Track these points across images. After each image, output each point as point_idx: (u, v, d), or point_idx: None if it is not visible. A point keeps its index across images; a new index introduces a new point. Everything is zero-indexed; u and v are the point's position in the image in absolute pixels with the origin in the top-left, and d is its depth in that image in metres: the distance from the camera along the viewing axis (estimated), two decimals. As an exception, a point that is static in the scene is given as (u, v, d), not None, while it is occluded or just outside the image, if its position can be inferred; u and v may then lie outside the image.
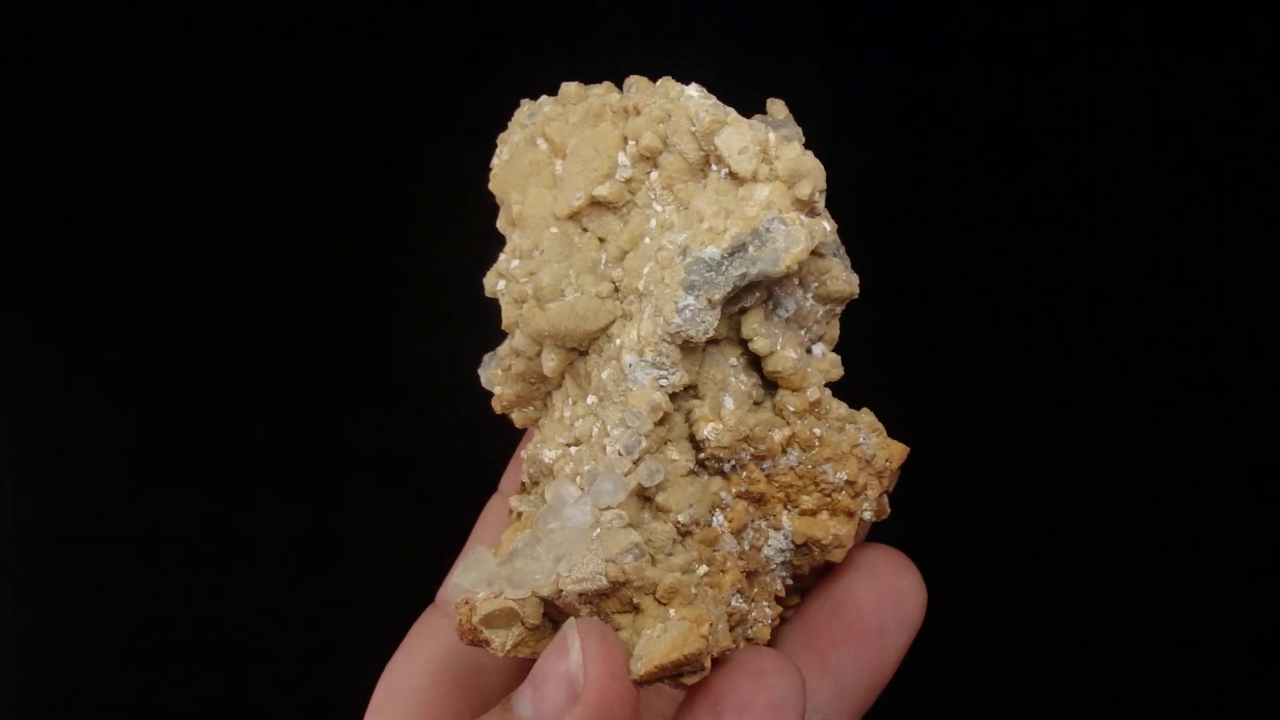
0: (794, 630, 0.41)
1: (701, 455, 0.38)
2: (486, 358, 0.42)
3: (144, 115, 0.70)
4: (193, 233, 0.70)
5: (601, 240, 0.39)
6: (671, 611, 0.36)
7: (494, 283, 0.40)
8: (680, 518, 0.37)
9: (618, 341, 0.38)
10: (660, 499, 0.37)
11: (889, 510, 0.41)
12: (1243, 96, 0.68)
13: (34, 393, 0.71)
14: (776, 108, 0.43)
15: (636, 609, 0.37)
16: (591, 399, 0.39)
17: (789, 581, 0.41)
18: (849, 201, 0.69)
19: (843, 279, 0.41)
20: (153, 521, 0.70)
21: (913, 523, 0.69)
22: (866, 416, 0.41)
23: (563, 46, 0.69)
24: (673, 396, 0.38)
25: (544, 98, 0.42)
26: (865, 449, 0.40)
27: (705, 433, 0.38)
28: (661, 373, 0.37)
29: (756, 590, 0.39)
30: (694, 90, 0.40)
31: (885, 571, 0.42)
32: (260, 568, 0.69)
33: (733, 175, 0.38)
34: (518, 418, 0.42)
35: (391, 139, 0.70)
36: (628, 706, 0.35)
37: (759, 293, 0.39)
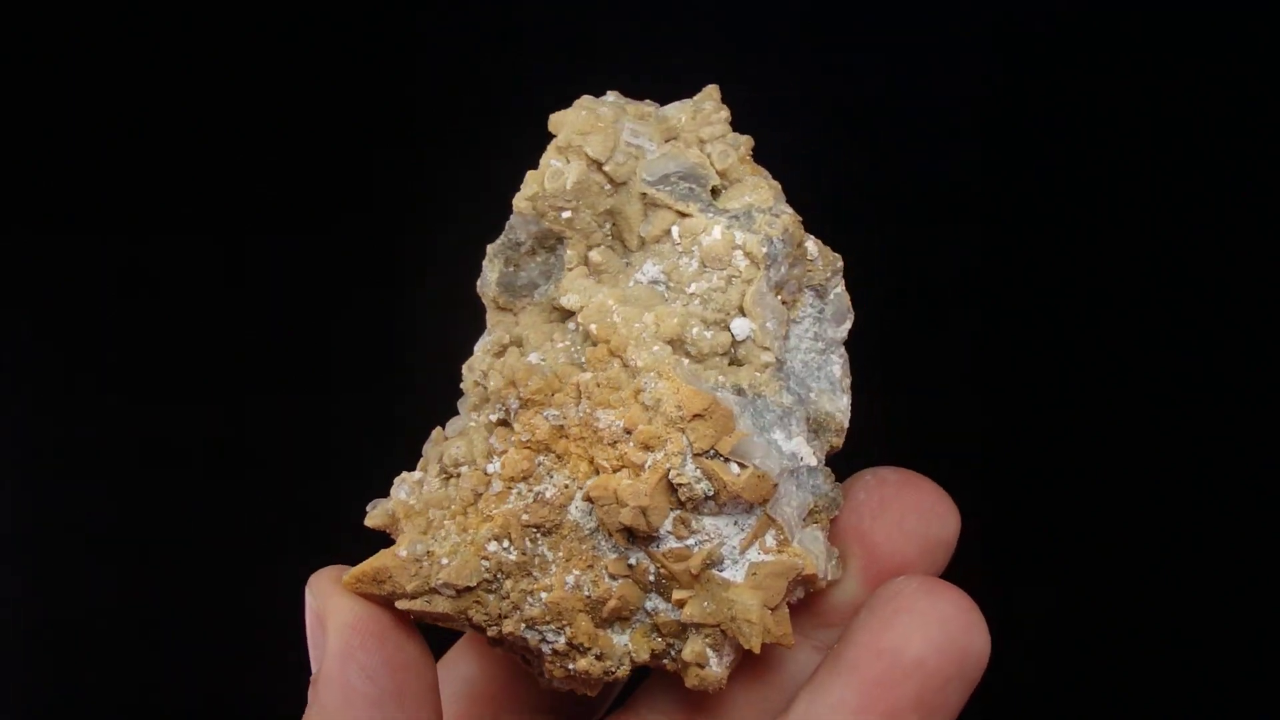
0: (853, 688, 0.36)
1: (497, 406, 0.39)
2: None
3: (144, 115, 0.70)
4: (193, 233, 0.70)
5: None
6: (404, 536, 0.39)
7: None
8: (445, 459, 0.39)
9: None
10: (446, 445, 0.39)
11: (768, 489, 0.37)
12: (1242, 96, 0.68)
13: (34, 393, 0.71)
14: (707, 93, 0.43)
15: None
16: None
17: (633, 561, 0.37)
18: (848, 202, 0.69)
19: (722, 239, 0.38)
20: (153, 521, 0.70)
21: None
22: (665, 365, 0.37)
23: (562, 47, 0.69)
24: (503, 352, 0.39)
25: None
26: (648, 395, 0.36)
27: (487, 380, 0.39)
28: (487, 336, 0.40)
29: (561, 554, 0.37)
30: (610, 96, 0.40)
31: (953, 625, 0.38)
32: (261, 567, 0.69)
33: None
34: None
35: (392, 139, 0.70)
36: (352, 613, 0.37)
37: (583, 248, 0.39)
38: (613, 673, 0.38)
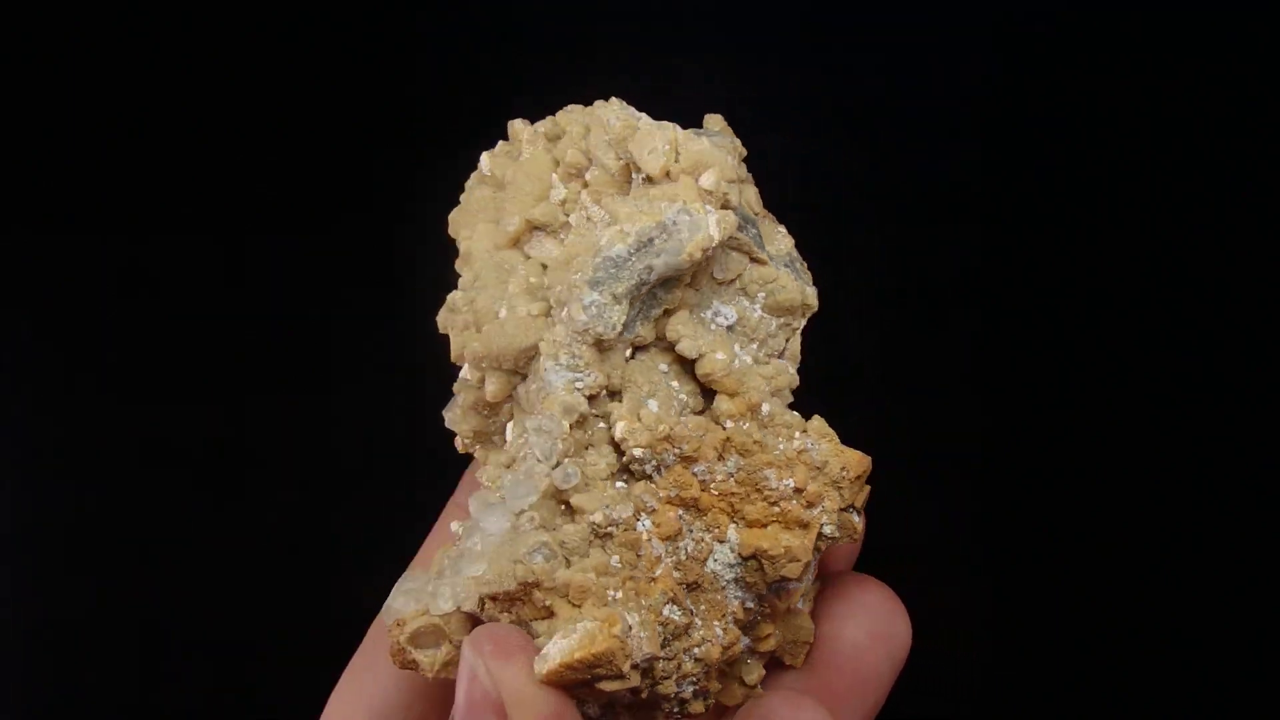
0: (796, 676, 0.41)
1: (624, 459, 0.38)
2: (450, 403, 0.42)
3: (144, 115, 0.70)
4: (193, 233, 0.70)
5: (544, 266, 0.39)
6: (583, 613, 0.36)
7: (444, 319, 0.40)
8: (595, 518, 0.37)
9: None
10: (576, 500, 0.37)
11: (860, 528, 0.40)
12: (1242, 96, 0.68)
13: (34, 393, 0.71)
14: (713, 121, 0.42)
15: (550, 613, 0.36)
16: (522, 418, 0.39)
17: (750, 605, 0.39)
18: (846, 201, 0.69)
19: (793, 289, 0.40)
20: (153, 522, 0.70)
21: (912, 523, 0.69)
22: (816, 423, 0.40)
23: (561, 47, 0.70)
24: (593, 400, 0.38)
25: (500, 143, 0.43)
26: (814, 455, 0.39)
27: (619, 432, 0.38)
28: (576, 375, 0.38)
29: (705, 607, 0.38)
30: (614, 103, 0.40)
31: (879, 612, 0.42)
32: (262, 567, 0.69)
33: (648, 178, 0.39)
34: (480, 454, 0.41)
35: (392, 139, 0.70)
36: (549, 707, 0.34)
37: (679, 292, 0.39)
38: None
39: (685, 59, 0.69)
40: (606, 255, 0.37)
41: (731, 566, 0.38)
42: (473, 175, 0.42)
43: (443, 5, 0.70)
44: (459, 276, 0.40)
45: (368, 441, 0.70)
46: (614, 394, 0.39)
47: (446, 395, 0.41)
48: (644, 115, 0.40)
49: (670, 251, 0.37)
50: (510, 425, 0.40)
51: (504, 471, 0.39)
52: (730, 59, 0.69)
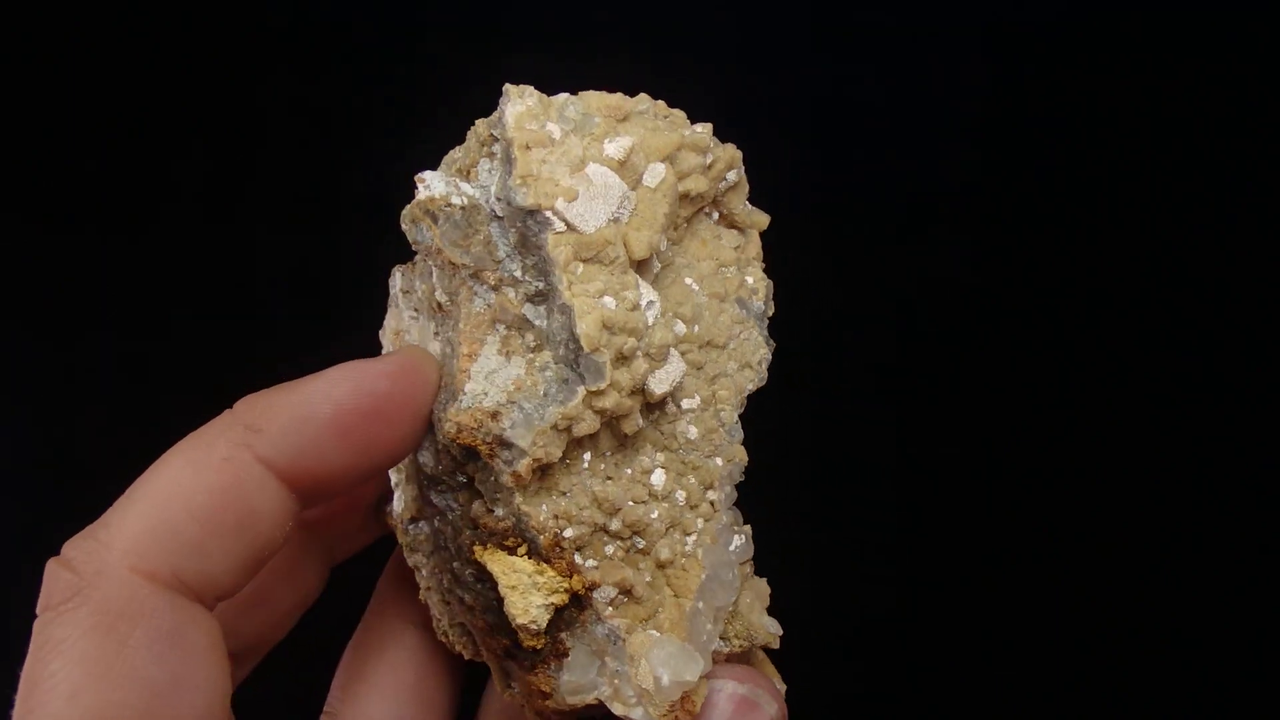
0: None
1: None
2: (517, 416, 0.37)
3: (144, 114, 0.70)
4: (193, 233, 0.70)
5: (654, 280, 0.41)
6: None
7: (595, 332, 0.37)
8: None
9: (682, 396, 0.39)
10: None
11: None
12: (1243, 96, 0.68)
13: (34, 393, 0.71)
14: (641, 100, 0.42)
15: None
16: (654, 453, 0.39)
17: None
18: (847, 202, 0.69)
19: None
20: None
21: (912, 524, 0.69)
22: None
23: (558, 46, 0.70)
24: None
25: (564, 99, 0.41)
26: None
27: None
28: (738, 429, 0.40)
29: None
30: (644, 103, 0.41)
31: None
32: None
33: (725, 219, 0.42)
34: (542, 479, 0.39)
35: (390, 139, 0.70)
36: None
37: None
38: None
39: (679, 59, 0.69)
40: (758, 308, 0.42)
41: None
42: (595, 159, 0.39)
43: (443, 3, 0.70)
44: (587, 279, 0.37)
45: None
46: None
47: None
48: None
49: (762, 315, 0.42)
50: (588, 449, 0.39)
51: (677, 508, 0.39)
52: (728, 58, 0.69)
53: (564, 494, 0.38)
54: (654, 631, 0.38)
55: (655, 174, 0.38)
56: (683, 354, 0.39)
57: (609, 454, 0.38)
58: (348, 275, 0.70)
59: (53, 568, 0.34)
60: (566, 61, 0.68)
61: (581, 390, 0.37)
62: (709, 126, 0.41)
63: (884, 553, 0.70)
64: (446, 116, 0.70)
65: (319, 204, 0.70)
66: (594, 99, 0.40)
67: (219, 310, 0.70)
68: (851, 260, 0.69)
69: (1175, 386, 0.68)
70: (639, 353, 0.37)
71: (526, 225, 0.37)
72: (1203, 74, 0.68)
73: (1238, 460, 0.68)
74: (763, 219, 0.42)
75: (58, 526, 0.71)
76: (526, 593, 0.37)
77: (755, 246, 0.42)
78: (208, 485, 0.33)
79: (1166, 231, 0.68)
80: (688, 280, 0.40)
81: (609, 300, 0.37)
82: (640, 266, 0.38)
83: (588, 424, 0.37)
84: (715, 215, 0.41)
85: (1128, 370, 0.69)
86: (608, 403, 0.37)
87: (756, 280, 0.41)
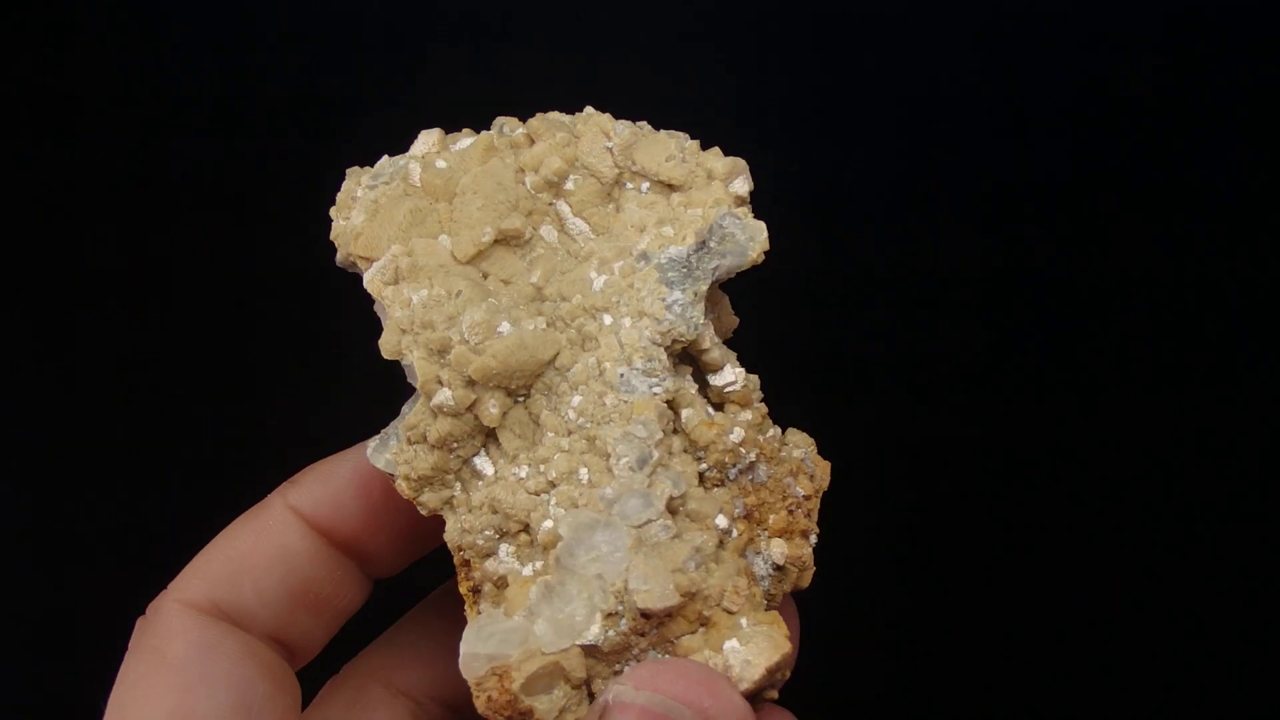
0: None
1: (703, 466, 0.37)
2: (376, 441, 0.38)
3: (149, 112, 0.70)
4: (193, 232, 0.70)
5: (505, 282, 0.37)
6: (743, 620, 0.35)
7: (396, 340, 0.37)
8: (720, 522, 0.36)
9: (577, 368, 0.36)
10: (690, 508, 0.36)
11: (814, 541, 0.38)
12: (1243, 97, 0.68)
13: (34, 392, 0.71)
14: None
15: (706, 623, 0.35)
16: (556, 438, 0.36)
17: None
18: (847, 202, 0.69)
19: (731, 313, 0.41)
20: (153, 521, 0.70)
21: (911, 523, 0.69)
22: (798, 435, 0.39)
23: (552, 46, 0.70)
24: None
25: (385, 158, 0.40)
26: (809, 465, 0.38)
27: (703, 437, 0.36)
28: (654, 380, 0.36)
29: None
30: (597, 114, 0.39)
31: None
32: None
33: (663, 185, 0.38)
34: (429, 499, 0.37)
35: (386, 139, 0.70)
36: None
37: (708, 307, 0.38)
38: None
39: (672, 62, 0.69)
40: (669, 256, 0.37)
41: (763, 578, 0.37)
42: (366, 193, 0.39)
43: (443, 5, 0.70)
44: (390, 296, 0.37)
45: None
46: (668, 401, 0.37)
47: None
48: (644, 123, 0.39)
49: (734, 253, 0.37)
50: (480, 459, 0.37)
51: (542, 498, 0.36)
52: (727, 57, 0.69)
53: (475, 508, 0.36)
54: (491, 610, 0.35)
55: (468, 176, 0.37)
56: (548, 325, 0.37)
57: (521, 454, 0.36)
58: (350, 276, 0.70)
59: (137, 621, 0.39)
60: (559, 60, 0.68)
61: (418, 390, 0.36)
62: (568, 115, 0.39)
63: (881, 551, 0.70)
64: (444, 122, 0.71)
65: (318, 208, 0.70)
66: (414, 147, 0.40)
67: (219, 309, 0.70)
68: (850, 259, 0.69)
69: (1176, 386, 0.69)
70: (453, 342, 0.36)
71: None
72: (1202, 74, 0.68)
73: (1238, 461, 0.68)
74: (720, 165, 0.38)
75: (57, 525, 0.71)
76: (468, 607, 0.37)
77: (704, 198, 0.38)
78: (247, 529, 0.40)
79: (1166, 231, 0.68)
80: (586, 261, 0.37)
81: (405, 310, 0.37)
82: (491, 267, 0.37)
83: (438, 427, 0.36)
84: (645, 185, 0.38)
85: (1128, 370, 0.69)
86: (438, 400, 0.36)
87: (680, 228, 0.37)
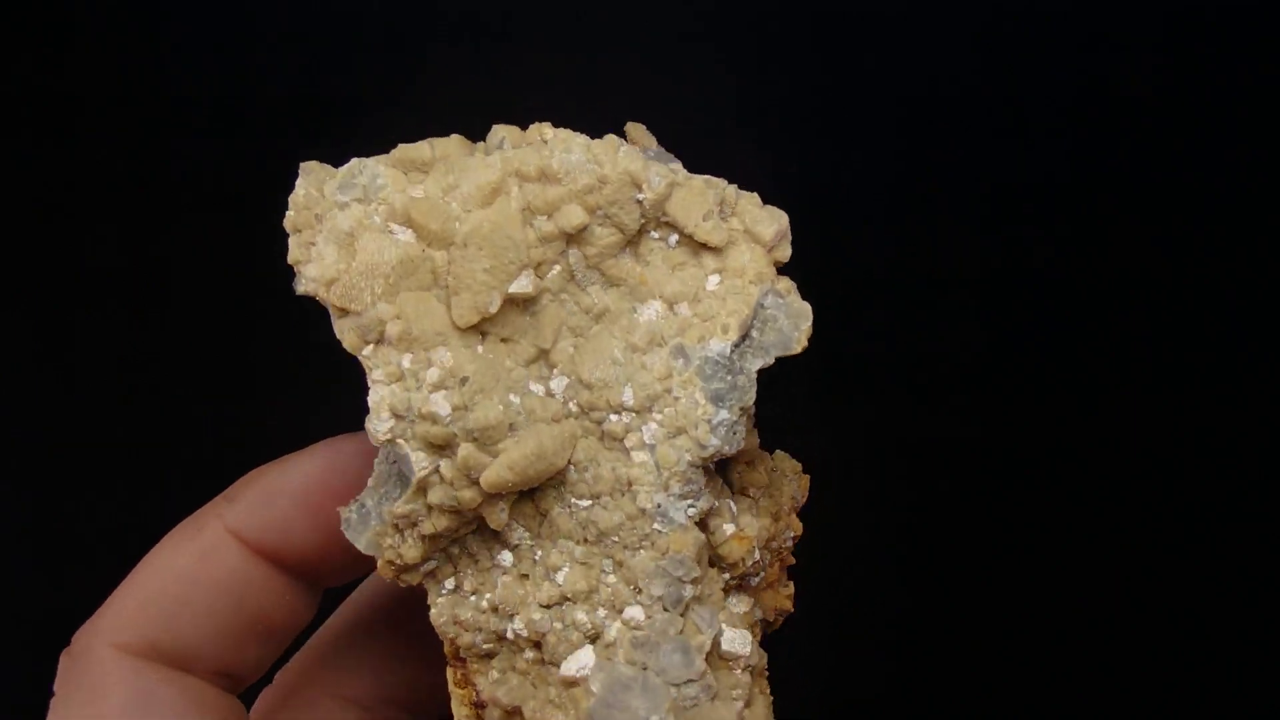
0: None
1: (727, 576, 0.33)
2: (354, 514, 0.33)
3: (145, 112, 0.70)
4: (192, 231, 0.70)
5: (505, 341, 0.32)
6: None
7: (384, 426, 0.31)
8: (753, 660, 0.33)
9: (600, 473, 0.32)
10: (724, 649, 0.33)
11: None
12: (1242, 97, 0.68)
13: (34, 393, 0.71)
14: (636, 130, 0.34)
15: None
16: (570, 544, 0.32)
17: None
18: (846, 202, 0.69)
19: None
20: (154, 521, 0.70)
21: (911, 523, 0.69)
22: (786, 461, 0.36)
23: (548, 46, 0.69)
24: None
25: (355, 162, 0.34)
26: (797, 498, 0.35)
27: (736, 553, 0.33)
28: (689, 502, 0.32)
29: None
30: (628, 150, 0.32)
31: None
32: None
33: (692, 242, 0.32)
34: (412, 578, 0.33)
35: (385, 140, 0.70)
36: None
37: None
38: None
39: (668, 62, 0.69)
40: (707, 356, 0.32)
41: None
42: (362, 207, 0.33)
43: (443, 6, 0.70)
44: (373, 357, 0.32)
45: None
46: None
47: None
48: (678, 162, 0.33)
49: (778, 345, 0.32)
50: (474, 539, 0.33)
51: (557, 613, 0.32)
52: (725, 55, 0.69)
53: (472, 594, 0.33)
54: None
55: (469, 222, 0.31)
56: (577, 420, 0.32)
57: (531, 546, 0.33)
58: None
59: (62, 657, 0.35)
60: (553, 62, 0.68)
61: (413, 482, 0.31)
62: (585, 138, 0.32)
63: (882, 549, 0.69)
64: (443, 128, 0.71)
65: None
66: (393, 153, 0.33)
67: (218, 309, 0.70)
68: (849, 258, 0.69)
69: (1175, 387, 0.69)
70: (458, 439, 0.31)
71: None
72: (1204, 73, 0.68)
73: (1237, 461, 0.68)
74: (764, 227, 0.33)
75: (58, 525, 0.71)
76: (456, 699, 0.34)
77: (743, 266, 0.33)
78: (183, 557, 0.35)
79: (1165, 230, 0.68)
80: (608, 331, 0.32)
81: (397, 385, 0.31)
82: (492, 326, 0.32)
83: (434, 522, 0.32)
84: (674, 238, 0.33)
85: (1127, 370, 0.69)
86: (436, 498, 0.31)
87: (725, 313, 0.32)
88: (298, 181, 0.34)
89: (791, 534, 0.35)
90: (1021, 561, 0.69)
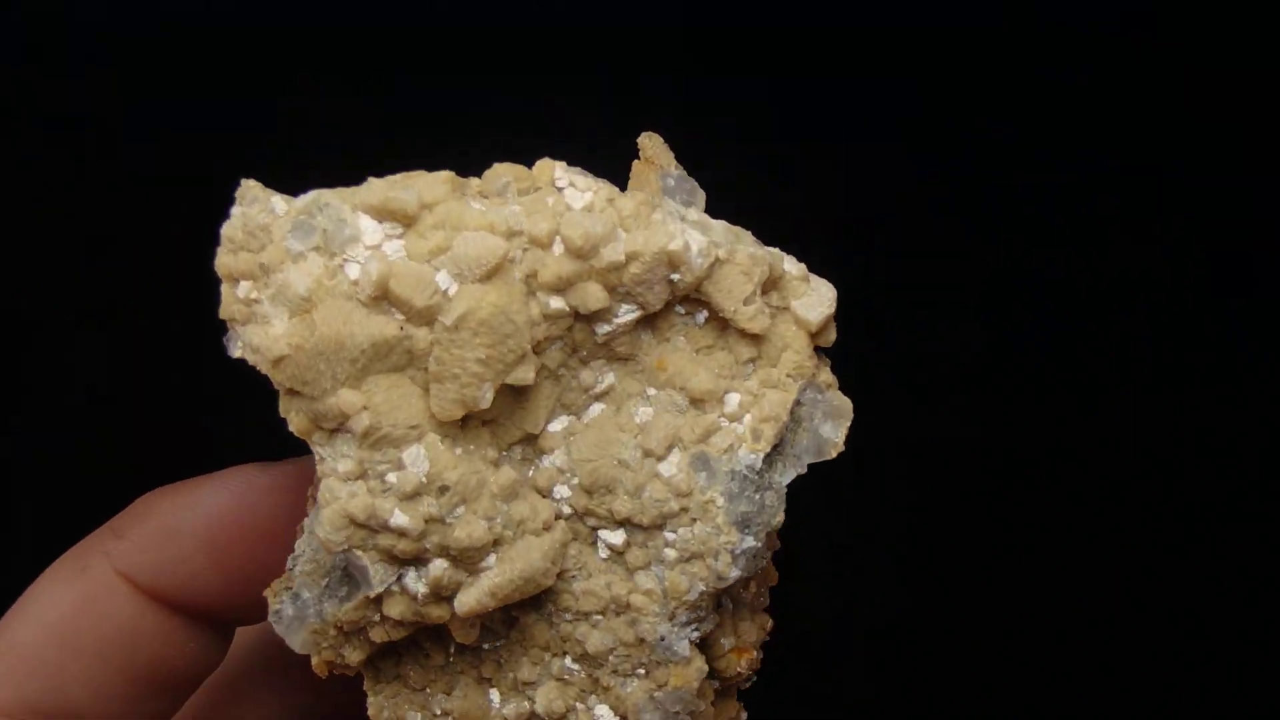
0: None
1: (716, 684, 0.30)
2: (286, 610, 0.28)
3: (145, 112, 0.70)
4: (192, 230, 0.70)
5: (486, 423, 0.27)
6: None
7: (339, 536, 0.26)
8: None
9: (591, 586, 0.27)
10: None
11: None
12: (1242, 97, 0.68)
13: (34, 393, 0.71)
14: (656, 146, 0.29)
15: None
16: (546, 657, 0.28)
17: None
18: (843, 203, 0.69)
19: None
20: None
21: (911, 523, 0.69)
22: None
23: (541, 62, 0.69)
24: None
25: (314, 195, 0.27)
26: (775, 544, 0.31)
27: (741, 667, 0.29)
28: (693, 627, 0.28)
29: None
30: (663, 213, 0.26)
31: None
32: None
33: (722, 320, 0.27)
34: (346, 671, 0.29)
35: (386, 139, 0.70)
36: None
37: None
38: None
39: (666, 74, 0.69)
40: (734, 469, 0.27)
41: None
42: (323, 261, 0.26)
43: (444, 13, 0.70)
44: (327, 449, 0.26)
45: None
46: None
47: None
48: (700, 194, 0.28)
49: (812, 453, 0.28)
50: (444, 641, 0.28)
51: None
52: (725, 54, 0.69)
53: (418, 690, 0.28)
54: None
55: (464, 301, 0.25)
56: (569, 523, 0.27)
57: (493, 650, 0.28)
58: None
59: None
60: (549, 74, 0.68)
61: (368, 594, 0.26)
62: (606, 190, 0.26)
63: (879, 549, 0.70)
64: (444, 134, 0.71)
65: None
66: (365, 193, 0.26)
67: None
68: (851, 258, 0.69)
69: (1175, 387, 0.69)
70: (430, 554, 0.26)
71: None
72: (1205, 73, 0.68)
73: (1237, 461, 0.68)
74: (810, 311, 0.27)
75: (62, 526, 0.71)
76: None
77: (781, 355, 0.27)
78: (64, 603, 0.30)
79: (1166, 230, 0.68)
80: (612, 420, 0.27)
81: (359, 485, 0.26)
82: (471, 424, 0.26)
83: (385, 631, 0.27)
84: (703, 316, 0.27)
85: (1127, 370, 0.69)
86: (396, 611, 0.26)
87: (758, 417, 0.27)
88: (233, 210, 0.27)
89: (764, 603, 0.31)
90: (1021, 561, 0.69)
